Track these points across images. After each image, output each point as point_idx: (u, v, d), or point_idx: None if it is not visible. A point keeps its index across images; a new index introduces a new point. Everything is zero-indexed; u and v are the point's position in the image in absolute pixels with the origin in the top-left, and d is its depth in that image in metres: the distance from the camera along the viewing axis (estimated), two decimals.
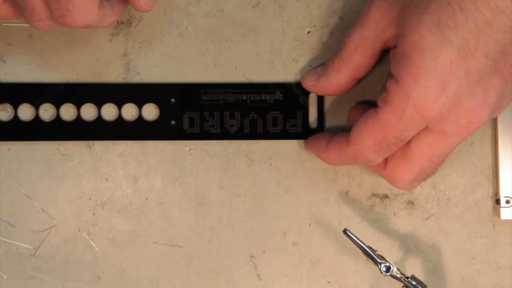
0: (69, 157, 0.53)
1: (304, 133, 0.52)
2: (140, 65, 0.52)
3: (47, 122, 0.52)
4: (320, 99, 0.52)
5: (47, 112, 0.52)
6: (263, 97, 0.52)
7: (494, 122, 0.52)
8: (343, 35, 0.49)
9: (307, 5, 0.52)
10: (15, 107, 0.52)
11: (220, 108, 0.52)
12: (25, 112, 0.52)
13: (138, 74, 0.52)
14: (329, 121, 0.53)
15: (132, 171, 0.53)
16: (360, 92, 0.52)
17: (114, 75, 0.52)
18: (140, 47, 0.52)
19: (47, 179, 0.53)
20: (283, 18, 0.52)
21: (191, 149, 0.53)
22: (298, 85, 0.52)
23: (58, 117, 0.52)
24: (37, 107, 0.52)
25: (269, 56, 0.52)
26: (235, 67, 0.52)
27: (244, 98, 0.52)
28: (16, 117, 0.52)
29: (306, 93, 0.52)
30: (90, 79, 0.52)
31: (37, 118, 0.52)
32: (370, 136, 0.45)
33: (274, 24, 0.52)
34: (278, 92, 0.52)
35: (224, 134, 0.52)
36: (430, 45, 0.41)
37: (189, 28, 0.52)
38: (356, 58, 0.48)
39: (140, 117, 0.52)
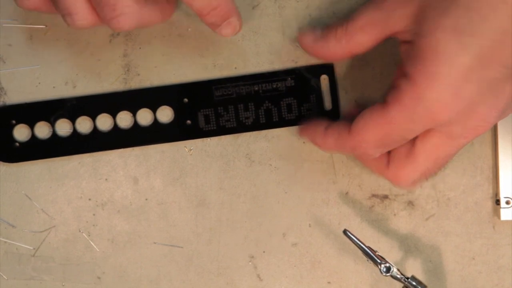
0: (69, 158, 0.53)
1: (320, 115, 0.52)
2: (140, 66, 0.52)
3: (65, 138, 0.52)
4: (332, 80, 0.52)
5: (63, 127, 0.52)
6: (274, 86, 0.52)
7: None
8: None
9: (307, 6, 0.52)
10: (31, 127, 0.52)
11: (234, 101, 0.52)
12: (42, 130, 0.52)
13: (138, 74, 0.52)
14: (343, 102, 0.53)
15: (132, 172, 0.53)
16: (359, 93, 0.52)
17: (114, 75, 0.52)
18: (140, 48, 0.52)
19: (47, 179, 0.53)
20: (283, 18, 0.52)
21: (191, 150, 0.53)
22: (308, 69, 0.52)
23: (75, 131, 0.52)
24: (52, 124, 0.52)
25: (269, 57, 0.52)
26: (235, 67, 0.52)
27: (256, 88, 0.52)
28: (33, 136, 0.52)
29: (317, 76, 0.52)
30: (90, 79, 0.52)
31: (54, 134, 0.52)
32: (374, 130, 0.45)
33: (274, 24, 0.52)
34: (289, 78, 0.52)
35: (241, 127, 0.52)
36: (446, 50, 0.41)
37: (189, 29, 0.52)
38: (360, 36, 0.46)
39: (155, 121, 0.52)
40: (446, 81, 0.41)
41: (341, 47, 0.47)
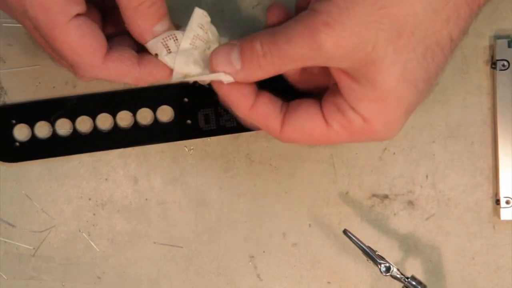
0: (69, 157, 0.53)
1: None
2: None
3: (65, 137, 0.52)
4: None
5: (63, 127, 0.52)
6: (274, 85, 0.52)
7: (494, 122, 0.52)
8: None
9: None
10: (32, 126, 0.52)
11: None
12: (42, 130, 0.52)
13: None
14: None
15: (132, 171, 0.53)
16: None
17: None
18: None
19: (47, 179, 0.53)
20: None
21: (191, 149, 0.53)
22: None
23: (75, 130, 0.52)
24: (52, 124, 0.52)
25: None
26: None
27: None
28: (33, 135, 0.52)
29: None
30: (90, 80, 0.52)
31: (54, 134, 0.52)
32: (310, 138, 0.44)
33: None
34: None
35: (241, 127, 0.52)
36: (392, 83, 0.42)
37: None
38: (290, 68, 0.43)
39: (155, 120, 0.52)
40: (397, 114, 0.42)
41: (266, 74, 0.43)
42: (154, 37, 0.43)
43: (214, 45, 0.45)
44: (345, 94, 0.42)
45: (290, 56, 0.41)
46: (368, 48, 0.39)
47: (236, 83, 0.43)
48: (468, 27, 0.42)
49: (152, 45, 0.44)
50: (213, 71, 0.43)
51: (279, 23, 0.43)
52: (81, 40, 0.42)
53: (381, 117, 0.42)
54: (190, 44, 0.44)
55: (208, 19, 0.45)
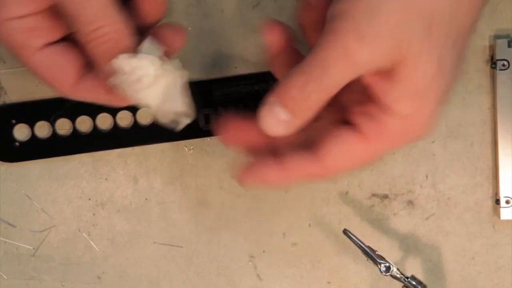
0: (69, 157, 0.53)
1: None
2: None
3: (65, 137, 0.52)
4: None
5: (63, 127, 0.52)
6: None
7: (494, 122, 0.52)
8: None
9: None
10: (32, 126, 0.52)
11: (234, 101, 0.52)
12: (42, 129, 0.52)
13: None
14: None
15: (132, 171, 0.53)
16: None
17: None
18: None
19: (47, 179, 0.53)
20: (283, 18, 0.52)
21: (191, 149, 0.53)
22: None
23: (75, 130, 0.52)
24: (52, 123, 0.52)
25: None
26: (235, 67, 0.52)
27: (256, 88, 0.52)
28: (33, 135, 0.52)
29: None
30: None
31: (54, 134, 0.52)
32: (351, 160, 0.42)
33: None
34: None
35: None
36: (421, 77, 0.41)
37: (189, 29, 0.52)
38: (335, 92, 0.41)
39: (155, 120, 0.52)
40: (431, 108, 0.41)
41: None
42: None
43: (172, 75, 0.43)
44: (381, 96, 0.41)
45: (332, 84, 0.40)
46: (403, 46, 0.38)
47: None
48: (479, 17, 0.42)
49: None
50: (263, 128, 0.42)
51: (280, 40, 0.43)
52: (48, 70, 0.42)
53: (421, 113, 0.41)
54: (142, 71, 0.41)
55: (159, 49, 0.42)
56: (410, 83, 0.40)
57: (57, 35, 0.42)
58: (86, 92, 0.43)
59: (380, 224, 0.53)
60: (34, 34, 0.41)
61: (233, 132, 0.44)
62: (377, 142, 0.41)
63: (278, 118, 0.41)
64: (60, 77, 0.42)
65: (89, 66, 0.42)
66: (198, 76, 0.52)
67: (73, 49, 0.42)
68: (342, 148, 0.41)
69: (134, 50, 0.40)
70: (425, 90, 0.40)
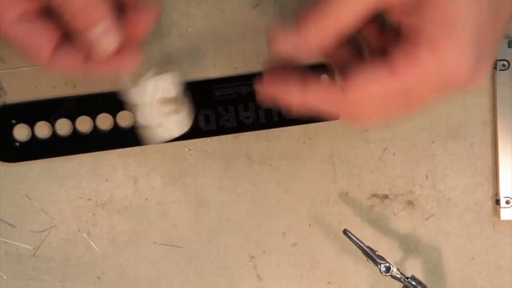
0: (69, 158, 0.53)
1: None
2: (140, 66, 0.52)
3: (65, 137, 0.52)
4: (332, 80, 0.51)
5: (63, 127, 0.52)
6: None
7: (494, 122, 0.52)
8: None
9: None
10: (32, 126, 0.52)
11: (234, 101, 0.52)
12: (42, 130, 0.52)
13: (138, 74, 0.52)
14: None
15: (132, 172, 0.53)
16: None
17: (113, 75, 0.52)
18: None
19: (47, 179, 0.53)
20: (283, 18, 0.52)
21: (191, 150, 0.53)
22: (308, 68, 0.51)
23: (75, 131, 0.52)
24: (52, 124, 0.52)
25: None
26: (235, 67, 0.52)
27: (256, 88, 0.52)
28: (33, 135, 0.52)
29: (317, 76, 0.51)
30: (90, 80, 0.52)
31: (54, 134, 0.52)
32: (376, 88, 0.38)
33: (274, 24, 0.52)
34: None
35: (240, 127, 0.52)
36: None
37: (189, 29, 0.52)
38: (344, 11, 0.38)
39: None
40: (468, 39, 0.37)
41: (326, 33, 0.39)
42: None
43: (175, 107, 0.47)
44: (408, 22, 0.38)
45: (345, 10, 0.37)
46: None
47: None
48: None
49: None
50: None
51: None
52: (25, 40, 0.42)
53: (454, 45, 0.37)
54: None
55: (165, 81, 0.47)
56: (438, 4, 0.37)
57: (33, 5, 0.42)
58: (64, 61, 0.43)
59: (380, 225, 0.53)
60: (9, 3, 0.42)
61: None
62: (408, 76, 0.38)
63: (291, 39, 0.39)
64: (37, 47, 0.43)
65: (67, 37, 0.43)
66: (198, 76, 0.52)
67: (50, 20, 0.43)
68: (367, 77, 0.38)
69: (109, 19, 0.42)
70: (458, 17, 0.37)
